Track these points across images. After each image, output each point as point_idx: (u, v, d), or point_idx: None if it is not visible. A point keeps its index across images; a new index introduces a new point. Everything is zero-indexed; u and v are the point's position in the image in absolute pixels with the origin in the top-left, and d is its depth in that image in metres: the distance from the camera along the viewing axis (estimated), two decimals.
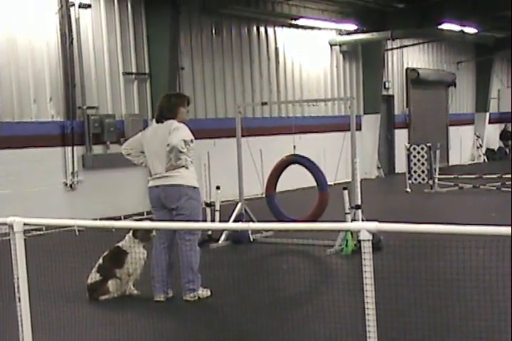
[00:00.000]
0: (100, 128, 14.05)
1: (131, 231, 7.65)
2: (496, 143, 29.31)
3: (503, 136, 29.32)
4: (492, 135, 29.02)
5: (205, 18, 16.69)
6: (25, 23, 13.03)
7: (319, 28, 19.97)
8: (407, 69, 24.08)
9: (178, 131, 7.27)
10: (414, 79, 24.08)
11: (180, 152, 7.18)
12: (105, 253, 7.73)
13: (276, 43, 18.78)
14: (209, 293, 7.49)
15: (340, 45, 20.87)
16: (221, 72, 17.21)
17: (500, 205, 13.55)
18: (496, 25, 21.62)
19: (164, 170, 7.37)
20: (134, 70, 15.10)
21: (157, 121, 7.58)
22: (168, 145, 7.19)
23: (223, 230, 10.52)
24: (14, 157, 12.78)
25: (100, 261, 7.67)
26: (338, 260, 9.38)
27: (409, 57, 24.20)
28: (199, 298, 7.39)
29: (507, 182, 16.23)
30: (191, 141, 7.38)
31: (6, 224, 4.91)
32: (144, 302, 7.40)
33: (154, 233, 7.54)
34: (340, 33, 20.73)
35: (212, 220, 10.89)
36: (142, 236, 7.58)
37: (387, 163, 23.39)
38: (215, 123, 16.83)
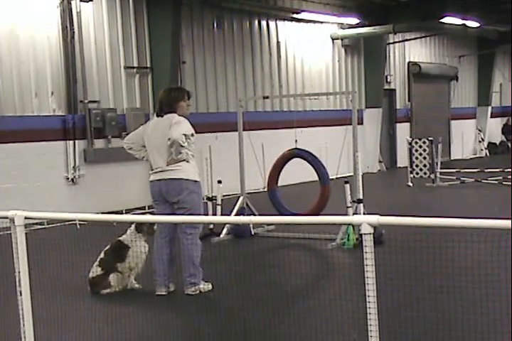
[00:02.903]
0: (102, 123, 14.04)
1: (133, 225, 7.66)
2: (497, 137, 29.27)
3: (505, 130, 29.28)
4: (494, 129, 28.98)
5: (207, 11, 16.67)
6: (27, 17, 13.00)
7: (321, 22, 19.94)
8: (409, 63, 24.04)
9: (179, 125, 7.27)
10: (416, 73, 24.04)
11: (181, 146, 7.18)
12: (107, 248, 7.73)
13: (278, 37, 18.74)
14: (210, 287, 7.49)
15: (342, 39, 20.83)
16: (223, 66, 17.19)
17: (502, 199, 13.54)
18: (498, 18, 21.57)
19: (165, 164, 7.37)
20: (135, 64, 15.08)
21: (157, 115, 7.58)
22: (168, 139, 7.19)
23: (225, 224, 10.53)
24: (16, 151, 12.77)
25: (102, 255, 7.67)
26: (339, 254, 9.38)
27: (411, 51, 24.16)
28: (200, 291, 7.39)
29: (509, 176, 16.22)
30: (192, 135, 7.37)
31: (7, 217, 4.91)
32: (146, 296, 7.40)
33: (156, 226, 7.55)
34: (342, 26, 20.69)
35: (214, 214, 10.89)
36: (148, 229, 7.58)
37: (389, 157, 23.38)
38: (216, 117, 16.82)
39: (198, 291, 7.37)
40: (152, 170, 7.60)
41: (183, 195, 7.33)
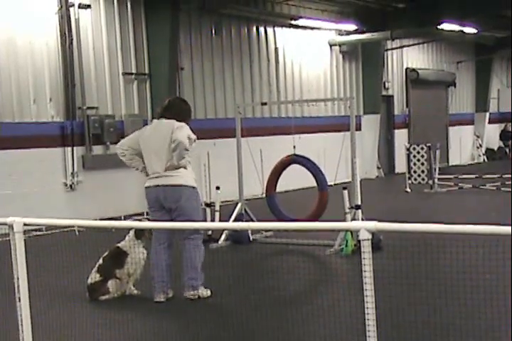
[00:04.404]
0: (100, 129, 14.06)
1: (131, 232, 7.65)
2: (495, 143, 29.31)
3: (503, 135, 29.32)
4: (492, 135, 29.01)
5: (205, 17, 16.71)
6: (25, 24, 13.04)
7: (319, 28, 19.98)
8: (406, 69, 24.09)
9: (182, 129, 7.26)
10: (413, 79, 24.08)
11: (186, 149, 7.15)
12: (105, 254, 7.72)
13: (275, 43, 18.78)
14: (209, 293, 7.47)
15: (339, 45, 20.87)
16: (221, 72, 17.22)
17: (500, 205, 13.55)
18: (495, 24, 21.63)
19: (163, 170, 7.33)
20: (133, 70, 15.11)
21: (159, 118, 7.52)
22: (174, 141, 7.15)
23: (223, 230, 10.52)
24: (14, 157, 12.78)
25: (100, 261, 7.67)
26: (338, 260, 9.39)
27: (409, 57, 24.20)
28: (199, 297, 7.37)
29: (507, 182, 16.23)
30: (194, 140, 7.37)
31: (6, 224, 4.91)
32: (144, 303, 7.40)
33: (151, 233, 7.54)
34: (339, 33, 20.73)
35: (212, 220, 10.89)
36: (148, 234, 7.57)
37: (387, 163, 23.39)
38: (214, 123, 16.83)
39: (196, 296, 7.35)
40: (147, 175, 7.54)
41: (182, 202, 7.30)
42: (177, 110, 7.49)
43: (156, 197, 7.39)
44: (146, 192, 7.50)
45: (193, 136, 7.34)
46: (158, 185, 7.36)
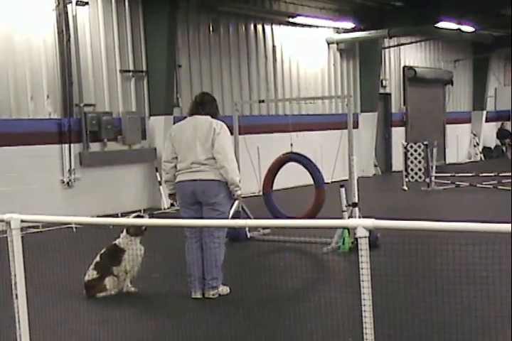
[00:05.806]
0: (97, 126, 14.05)
1: (124, 229, 7.64)
2: (492, 142, 29.34)
3: (500, 134, 29.35)
4: (489, 133, 29.04)
5: (203, 15, 16.69)
6: (23, 21, 13.01)
7: (317, 26, 19.98)
8: (404, 67, 24.09)
9: (225, 144, 7.27)
10: (411, 77, 24.09)
11: (238, 186, 7.18)
12: (102, 251, 7.72)
13: (273, 41, 18.77)
14: (228, 289, 7.43)
15: (337, 43, 20.86)
16: (218, 70, 17.21)
17: (496, 203, 13.57)
18: (493, 23, 21.65)
19: (200, 164, 7.21)
20: (131, 68, 15.09)
21: (193, 114, 7.54)
22: (222, 167, 7.14)
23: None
24: (11, 154, 12.76)
25: (97, 258, 7.67)
26: (335, 257, 9.40)
27: (407, 55, 24.22)
28: (219, 294, 7.34)
29: (503, 181, 16.26)
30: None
31: (3, 221, 4.91)
32: (141, 300, 7.40)
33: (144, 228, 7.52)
34: (337, 31, 20.74)
35: None
36: (134, 231, 7.56)
37: (384, 161, 23.41)
38: None
39: (217, 294, 7.33)
40: (180, 170, 7.38)
41: (220, 197, 7.23)
42: (210, 106, 7.65)
43: (193, 191, 7.23)
44: (180, 186, 7.35)
45: (232, 145, 7.54)
46: (195, 179, 7.23)
